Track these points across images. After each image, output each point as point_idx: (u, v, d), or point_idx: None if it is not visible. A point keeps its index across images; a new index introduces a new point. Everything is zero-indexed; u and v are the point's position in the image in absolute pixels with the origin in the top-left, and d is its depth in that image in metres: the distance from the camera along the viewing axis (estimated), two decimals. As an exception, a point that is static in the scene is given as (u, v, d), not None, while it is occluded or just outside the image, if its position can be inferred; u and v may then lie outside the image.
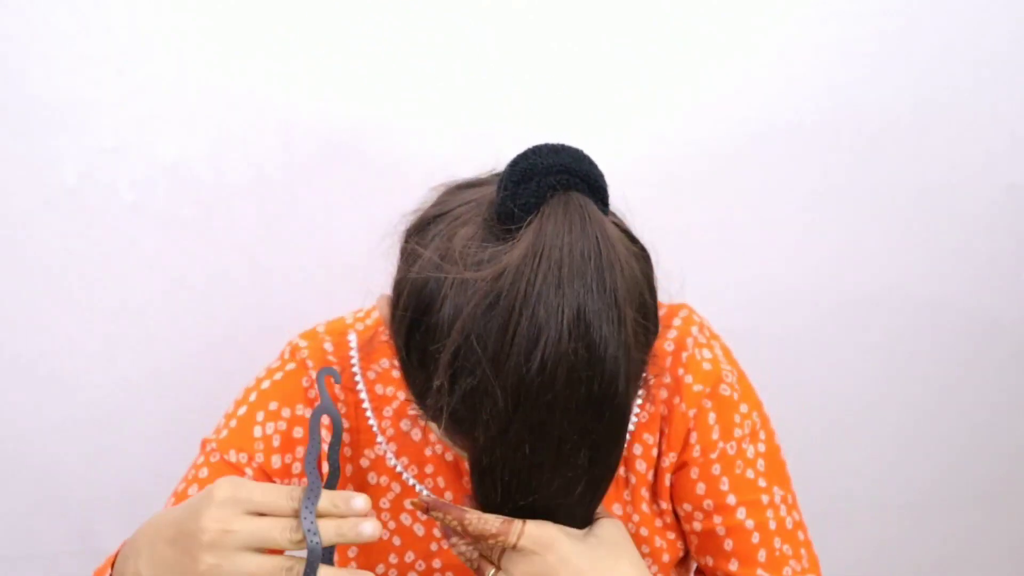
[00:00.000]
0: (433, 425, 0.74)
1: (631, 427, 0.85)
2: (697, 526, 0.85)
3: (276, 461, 0.85)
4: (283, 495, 0.64)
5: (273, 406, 0.86)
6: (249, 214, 1.14)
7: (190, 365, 1.19)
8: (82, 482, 1.20)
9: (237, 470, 0.85)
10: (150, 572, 0.66)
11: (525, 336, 0.62)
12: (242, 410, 0.87)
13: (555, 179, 0.66)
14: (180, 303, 1.16)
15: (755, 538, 0.84)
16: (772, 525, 0.84)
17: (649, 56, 1.13)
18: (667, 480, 0.85)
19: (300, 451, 0.86)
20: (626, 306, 0.64)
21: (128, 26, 1.08)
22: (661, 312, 0.87)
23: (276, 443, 0.85)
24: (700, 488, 0.84)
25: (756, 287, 1.22)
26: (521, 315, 0.62)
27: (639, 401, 0.85)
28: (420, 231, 0.71)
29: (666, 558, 0.87)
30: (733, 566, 0.84)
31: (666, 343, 0.85)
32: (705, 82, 1.15)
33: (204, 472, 0.85)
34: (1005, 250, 1.24)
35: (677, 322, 0.86)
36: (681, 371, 0.84)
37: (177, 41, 1.08)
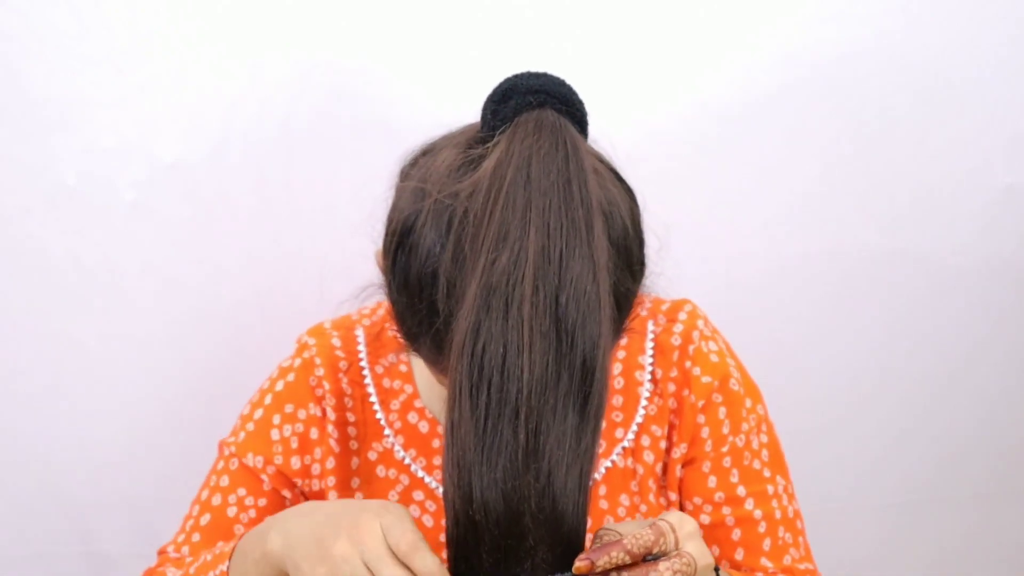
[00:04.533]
0: (416, 362, 0.76)
1: (639, 419, 0.87)
2: (705, 519, 0.86)
3: (296, 462, 0.88)
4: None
5: (289, 408, 0.88)
6: (249, 214, 1.14)
7: (190, 364, 1.18)
8: (82, 482, 1.20)
9: (254, 475, 0.87)
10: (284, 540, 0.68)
11: (492, 245, 0.63)
12: (258, 413, 0.89)
13: (532, 98, 0.68)
14: (179, 302, 1.16)
15: (761, 527, 0.86)
16: (777, 515, 0.86)
17: (649, 51, 1.13)
18: (677, 471, 0.87)
19: (318, 452, 0.88)
20: (596, 216, 0.65)
21: (128, 26, 1.08)
22: (664, 306, 0.89)
23: (294, 445, 0.88)
24: (711, 481, 0.86)
25: (749, 283, 1.22)
26: (488, 228, 0.64)
27: (647, 393, 0.86)
28: (412, 165, 0.75)
29: None
30: (739, 555, 0.85)
31: (672, 337, 0.87)
32: (704, 82, 1.15)
33: (225, 480, 0.88)
34: (1004, 250, 1.24)
35: (682, 316, 0.88)
36: (688, 364, 0.86)
37: (177, 41, 1.09)
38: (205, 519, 0.87)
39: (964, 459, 1.33)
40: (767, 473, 0.86)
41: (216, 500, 0.87)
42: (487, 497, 0.62)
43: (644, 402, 0.87)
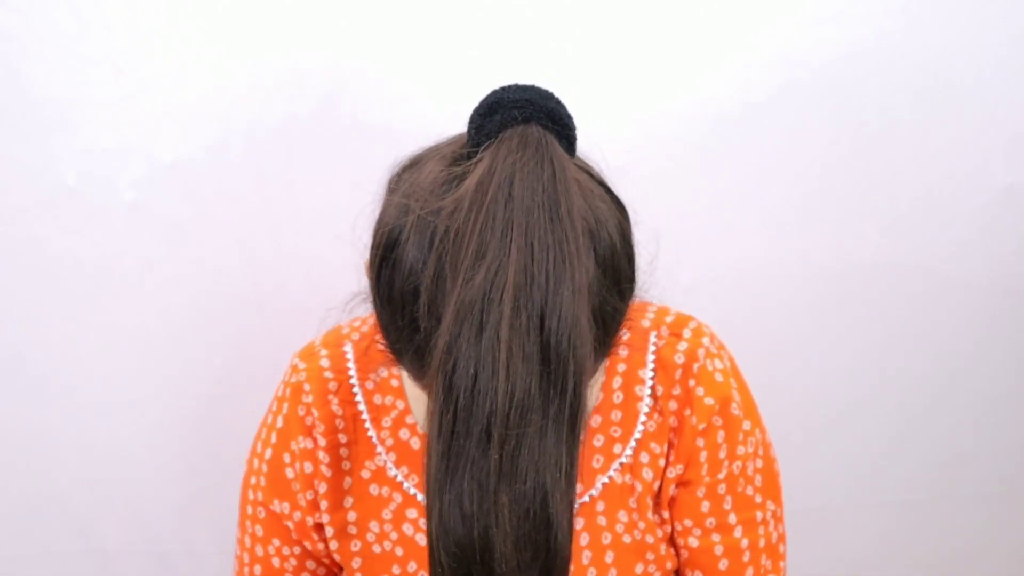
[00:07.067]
0: (405, 374, 0.75)
1: (638, 435, 0.84)
2: (694, 542, 0.86)
3: (309, 496, 0.87)
4: None
5: (294, 445, 0.87)
6: (249, 214, 1.14)
7: (190, 364, 1.19)
8: (82, 482, 1.20)
9: (280, 522, 0.88)
10: None
11: (470, 264, 0.63)
12: (268, 452, 0.88)
13: (518, 112, 0.68)
14: (179, 302, 1.16)
15: (746, 557, 0.86)
16: (762, 543, 0.86)
17: (648, 51, 1.13)
18: (671, 490, 0.85)
19: (315, 483, 0.87)
20: (581, 235, 0.64)
21: (128, 26, 1.08)
22: (669, 318, 0.87)
23: (303, 480, 0.87)
24: (705, 506, 0.85)
25: (750, 281, 1.22)
26: (467, 247, 0.63)
27: (646, 409, 0.84)
28: (399, 177, 0.74)
29: (669, 565, 0.87)
30: None
31: (676, 354, 0.84)
32: (704, 82, 1.15)
33: (259, 530, 0.89)
34: (1004, 251, 1.24)
35: (687, 333, 0.85)
36: (692, 382, 0.83)
37: (177, 41, 1.08)
38: (257, 570, 0.90)
39: (965, 459, 1.33)
40: (758, 499, 0.86)
41: (259, 551, 0.89)
42: (446, 518, 0.62)
43: (643, 418, 0.84)
